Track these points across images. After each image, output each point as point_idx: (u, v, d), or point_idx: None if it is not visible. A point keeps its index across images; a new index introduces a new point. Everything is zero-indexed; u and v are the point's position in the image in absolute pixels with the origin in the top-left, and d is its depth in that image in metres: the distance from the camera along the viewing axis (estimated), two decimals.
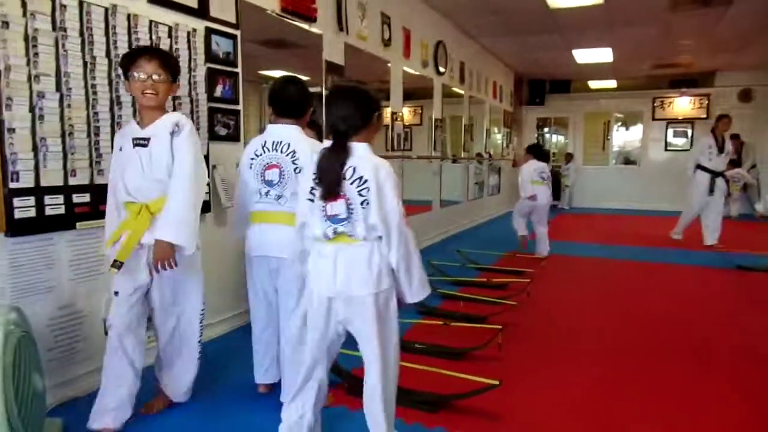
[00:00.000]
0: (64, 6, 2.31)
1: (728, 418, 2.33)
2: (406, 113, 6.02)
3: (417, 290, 1.80)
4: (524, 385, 2.61)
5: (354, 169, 1.67)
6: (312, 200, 1.73)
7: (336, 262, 1.71)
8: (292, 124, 2.28)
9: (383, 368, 1.76)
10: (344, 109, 1.70)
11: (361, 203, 1.66)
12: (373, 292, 1.71)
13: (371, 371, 1.77)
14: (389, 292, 1.76)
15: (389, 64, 5.37)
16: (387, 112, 5.58)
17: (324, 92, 4.18)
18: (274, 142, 2.23)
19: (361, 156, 1.69)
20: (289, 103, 2.28)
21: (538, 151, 5.91)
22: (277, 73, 4.24)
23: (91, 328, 2.50)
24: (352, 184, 1.67)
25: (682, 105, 11.07)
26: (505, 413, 2.31)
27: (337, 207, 1.68)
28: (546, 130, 12.76)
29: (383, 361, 1.76)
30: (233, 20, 3.27)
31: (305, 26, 3.97)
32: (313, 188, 1.72)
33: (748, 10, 6.11)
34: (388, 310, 1.77)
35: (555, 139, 12.93)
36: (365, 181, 1.66)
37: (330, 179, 1.67)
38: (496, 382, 2.37)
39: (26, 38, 2.17)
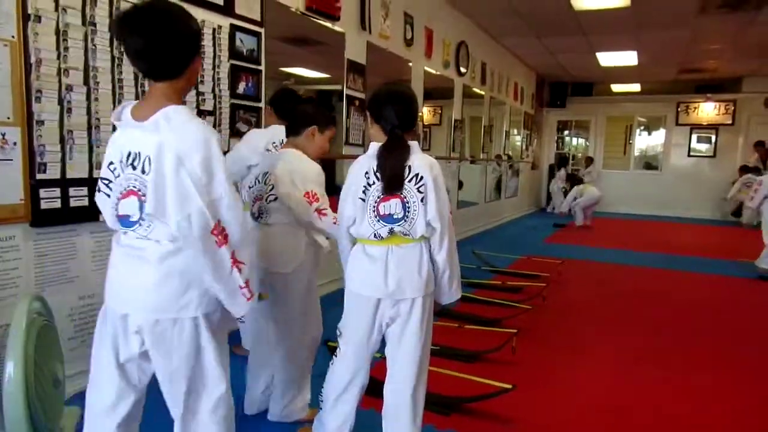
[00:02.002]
0: (95, 1, 2.35)
1: (749, 427, 2.29)
2: (426, 113, 6.01)
3: (455, 291, 1.81)
4: (538, 389, 2.60)
5: (410, 168, 1.67)
6: (363, 200, 1.70)
7: (387, 263, 1.69)
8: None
9: (420, 371, 1.75)
10: (402, 110, 1.70)
11: (421, 200, 1.66)
12: (423, 295, 1.71)
13: (405, 373, 1.74)
14: (432, 295, 1.77)
15: (410, 64, 5.36)
16: None
17: (343, 92, 4.19)
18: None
19: (415, 154, 1.70)
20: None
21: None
22: (300, 71, 4.27)
23: None
24: (410, 181, 1.67)
25: (707, 110, 10.87)
26: (518, 417, 2.31)
27: (392, 206, 1.67)
28: (566, 133, 12.63)
29: (420, 364, 1.75)
30: (258, 18, 3.30)
31: (328, 24, 3.99)
32: (365, 187, 1.70)
33: None
34: (430, 315, 1.77)
35: (575, 143, 12.78)
36: (422, 178, 1.66)
37: (394, 175, 1.66)
38: (510, 386, 2.36)
39: (57, 32, 2.21)
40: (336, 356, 1.84)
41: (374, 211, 1.69)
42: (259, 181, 2.12)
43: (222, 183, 1.30)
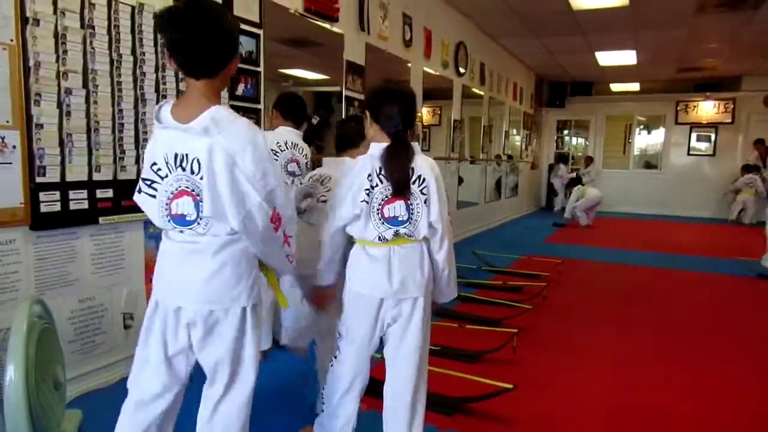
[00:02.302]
0: (93, 4, 2.35)
1: (752, 428, 2.29)
2: (425, 114, 6.00)
3: (453, 290, 1.84)
4: (539, 389, 2.60)
5: (412, 170, 1.68)
6: (367, 202, 1.67)
7: (391, 264, 1.69)
8: None
9: (420, 372, 1.76)
10: (404, 110, 1.70)
11: (424, 202, 1.68)
12: (423, 295, 1.73)
13: (406, 374, 1.75)
14: (431, 295, 1.79)
15: (409, 65, 5.37)
16: None
17: (342, 91, 4.19)
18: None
19: (418, 155, 1.70)
20: None
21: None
22: (298, 72, 4.27)
23: (111, 321, 2.55)
24: (413, 183, 1.67)
25: (707, 109, 10.87)
26: (519, 417, 2.30)
27: (397, 209, 1.67)
28: (566, 132, 12.63)
29: (420, 364, 1.76)
30: (257, 19, 3.30)
31: (327, 26, 3.99)
32: (369, 189, 1.67)
33: None
34: (430, 313, 1.79)
35: (575, 142, 12.79)
36: (424, 179, 1.68)
37: (401, 178, 1.66)
38: (511, 386, 2.36)
39: (56, 35, 2.21)
40: (336, 358, 1.83)
41: (379, 214, 1.68)
42: (316, 182, 2.23)
43: (273, 174, 1.38)
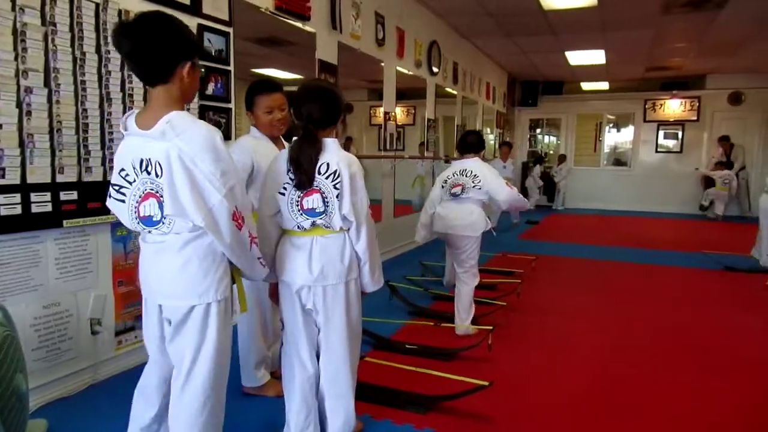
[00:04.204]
0: (55, 0, 2.27)
1: (722, 419, 2.34)
2: (399, 113, 6.01)
3: (377, 280, 1.93)
4: (514, 385, 2.62)
5: (328, 165, 1.76)
6: (283, 194, 1.79)
7: (312, 253, 1.79)
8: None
9: (349, 354, 1.87)
10: (314, 107, 1.78)
11: (336, 196, 1.75)
12: (345, 281, 1.82)
13: (334, 357, 1.86)
14: (357, 281, 1.88)
15: (383, 64, 5.36)
16: (380, 112, 5.57)
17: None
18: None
19: (333, 151, 1.79)
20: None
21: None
22: (271, 71, 4.22)
23: (78, 327, 2.47)
24: (327, 178, 1.76)
25: (673, 107, 11.15)
26: (495, 414, 2.32)
27: (314, 201, 1.76)
28: (539, 131, 12.81)
29: (349, 348, 1.87)
30: (226, 18, 3.24)
31: (299, 24, 3.95)
32: (285, 183, 1.79)
33: (738, 13, 6.15)
34: (356, 298, 1.88)
35: (548, 140, 12.97)
36: (338, 174, 1.75)
37: (305, 170, 1.74)
38: (486, 383, 2.37)
39: (14, 33, 2.13)
40: (283, 346, 1.95)
41: (297, 205, 1.78)
42: (457, 175, 3.42)
43: (232, 172, 1.48)
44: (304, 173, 1.74)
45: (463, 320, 3.31)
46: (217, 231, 1.46)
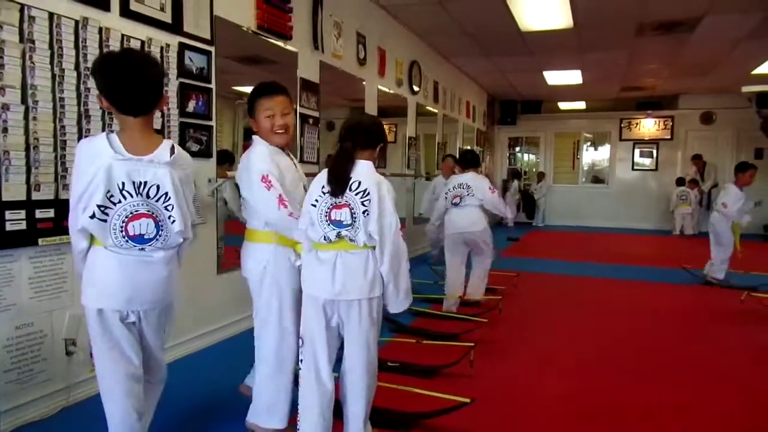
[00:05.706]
0: (33, 18, 2.26)
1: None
2: None
3: (402, 300, 1.96)
4: (496, 401, 2.62)
5: (359, 183, 1.87)
6: (315, 205, 1.89)
7: (335, 267, 1.86)
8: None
9: (369, 369, 1.93)
10: (356, 128, 1.95)
11: (363, 212, 1.83)
12: (367, 298, 1.87)
13: (356, 371, 1.93)
14: (380, 299, 1.93)
15: (364, 83, 5.41)
16: None
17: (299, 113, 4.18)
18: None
19: (366, 172, 1.89)
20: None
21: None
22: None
23: (52, 348, 2.41)
24: (357, 195, 1.85)
25: (648, 126, 11.45)
26: (477, 430, 2.31)
27: (342, 214, 1.86)
28: (518, 149, 13.00)
29: (369, 363, 1.92)
30: (208, 36, 3.26)
31: (280, 44, 3.98)
32: (319, 195, 1.90)
33: (708, 36, 6.37)
34: (378, 316, 1.94)
35: (527, 158, 13.17)
36: (368, 193, 1.85)
37: (338, 178, 1.87)
38: (468, 400, 2.36)
39: None
40: (301, 366, 1.98)
41: (326, 215, 1.87)
42: (456, 188, 4.31)
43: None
44: (336, 181, 1.86)
45: (477, 287, 4.38)
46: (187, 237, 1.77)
